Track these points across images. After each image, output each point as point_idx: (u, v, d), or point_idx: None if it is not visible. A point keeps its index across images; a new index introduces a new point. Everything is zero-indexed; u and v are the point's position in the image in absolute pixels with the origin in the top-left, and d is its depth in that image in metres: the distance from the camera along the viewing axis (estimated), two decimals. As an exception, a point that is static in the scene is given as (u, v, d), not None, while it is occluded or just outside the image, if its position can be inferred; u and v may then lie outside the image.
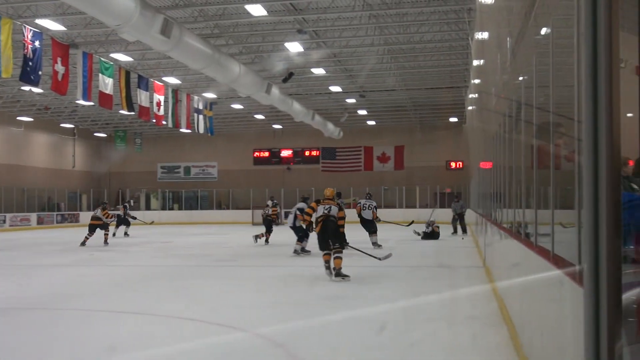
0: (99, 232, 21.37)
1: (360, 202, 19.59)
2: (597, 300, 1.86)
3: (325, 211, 12.47)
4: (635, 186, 4.06)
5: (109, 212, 22.13)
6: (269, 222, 21.43)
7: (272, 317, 8.44)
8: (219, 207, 44.33)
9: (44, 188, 39.89)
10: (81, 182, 44.45)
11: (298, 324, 7.92)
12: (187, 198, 44.89)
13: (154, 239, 24.45)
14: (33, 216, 36.96)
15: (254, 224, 37.56)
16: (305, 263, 15.70)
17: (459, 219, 25.42)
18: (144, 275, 13.69)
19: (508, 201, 8.32)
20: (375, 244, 18.49)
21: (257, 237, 21.27)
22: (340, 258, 11.86)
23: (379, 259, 13.52)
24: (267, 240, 21.21)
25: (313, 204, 13.02)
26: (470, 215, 25.55)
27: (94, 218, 21.65)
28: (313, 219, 12.86)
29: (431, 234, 22.26)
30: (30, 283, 12.64)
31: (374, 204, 19.60)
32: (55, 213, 39.13)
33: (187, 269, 14.83)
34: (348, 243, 12.44)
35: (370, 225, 19.11)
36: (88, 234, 21.32)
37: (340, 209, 12.63)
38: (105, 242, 21.60)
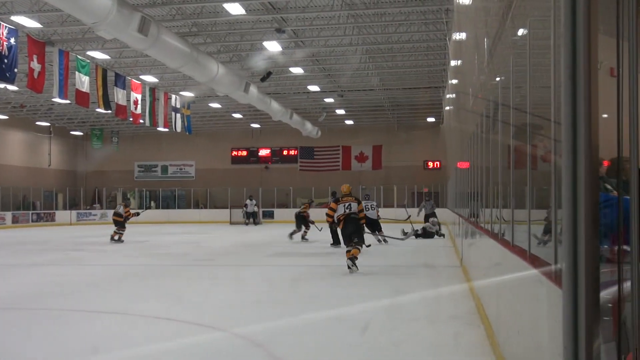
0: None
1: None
2: (576, 299, 1.88)
3: (347, 210, 13.06)
4: (609, 186, 4.10)
5: (131, 210, 22.87)
6: (303, 219, 21.37)
7: (252, 317, 8.41)
8: (197, 206, 44.13)
9: (19, 187, 39.43)
10: (57, 181, 44.03)
11: (278, 323, 7.91)
12: (164, 197, 44.63)
13: (131, 238, 24.25)
14: (8, 215, 36.52)
15: (231, 223, 37.50)
16: (286, 262, 15.71)
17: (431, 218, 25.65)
18: (121, 275, 13.60)
19: (485, 201, 8.37)
20: (384, 240, 19.70)
21: (291, 234, 21.60)
22: (359, 249, 12.69)
23: (402, 239, 14.02)
24: (303, 237, 21.54)
25: (333, 205, 13.48)
26: (447, 215, 25.69)
27: (116, 214, 22.33)
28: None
29: (425, 234, 22.30)
30: (7, 282, 12.51)
31: (375, 203, 20.86)
32: (30, 212, 38.68)
33: (164, 269, 14.76)
34: (369, 245, 12.92)
35: (375, 224, 19.88)
36: (117, 229, 22.09)
37: (359, 202, 13.39)
38: (120, 239, 22.11)
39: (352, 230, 12.91)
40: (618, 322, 2.40)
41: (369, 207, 19.73)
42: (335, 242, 18.80)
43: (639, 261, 2.43)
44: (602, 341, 1.98)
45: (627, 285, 2.40)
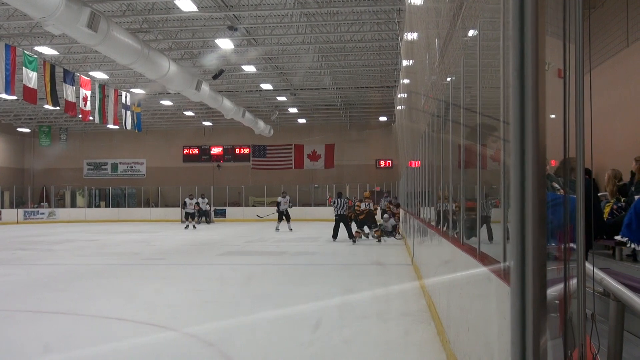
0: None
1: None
2: (523, 296, 1.92)
3: (367, 207, 20.65)
4: (556, 185, 4.20)
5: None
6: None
7: (204, 316, 8.36)
8: (148, 204, 43.59)
9: (-37, 185, 38.45)
10: (3, 179, 42.96)
11: (230, 322, 7.87)
12: (114, 195, 43.97)
13: (79, 237, 23.88)
14: (-49, 214, 35.58)
15: (183, 221, 37.14)
16: (238, 261, 15.64)
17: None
18: (69, 275, 13.36)
19: (436, 199, 8.47)
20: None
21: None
22: (379, 231, 20.83)
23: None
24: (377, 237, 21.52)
25: (358, 203, 20.94)
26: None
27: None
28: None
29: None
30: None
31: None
32: (-25, 211, 37.77)
33: (114, 268, 14.55)
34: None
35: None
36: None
37: (374, 203, 22.55)
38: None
39: (368, 221, 20.72)
40: (564, 319, 2.45)
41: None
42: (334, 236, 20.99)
43: (584, 259, 2.49)
44: (549, 337, 2.02)
45: (573, 282, 2.46)
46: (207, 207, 35.89)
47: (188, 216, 31.49)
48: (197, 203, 35.31)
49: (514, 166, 1.94)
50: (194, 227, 30.72)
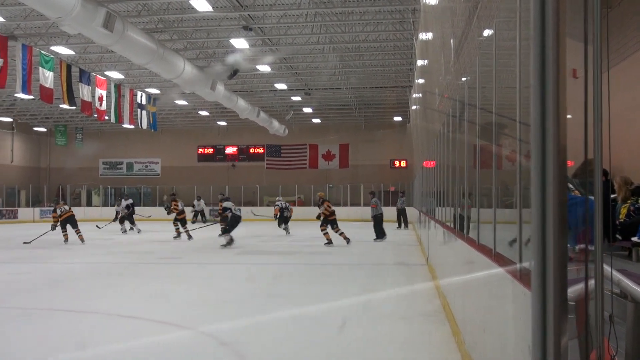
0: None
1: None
2: (544, 298, 1.91)
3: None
4: (571, 186, 4.18)
5: None
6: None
7: (218, 315, 8.38)
8: (162, 203, 43.64)
9: (-20, 183, 38.75)
10: (20, 178, 43.28)
11: (245, 322, 7.87)
12: (129, 194, 44.08)
13: (94, 236, 23.97)
14: (-32, 212, 35.84)
15: (194, 221, 37.16)
16: (254, 261, 15.65)
17: (402, 214, 26.62)
18: (84, 273, 13.44)
19: (451, 200, 8.45)
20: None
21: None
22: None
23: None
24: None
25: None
26: (413, 213, 25.90)
27: None
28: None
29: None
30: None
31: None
32: (-8, 209, 38.03)
33: (129, 266, 14.61)
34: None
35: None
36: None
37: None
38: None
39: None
40: (584, 321, 2.44)
41: None
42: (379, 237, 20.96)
43: (602, 260, 2.48)
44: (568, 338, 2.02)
45: (590, 283, 2.45)
46: (202, 207, 35.55)
47: (121, 220, 29.20)
48: (194, 204, 35.15)
49: (535, 167, 1.93)
50: (130, 231, 28.10)
